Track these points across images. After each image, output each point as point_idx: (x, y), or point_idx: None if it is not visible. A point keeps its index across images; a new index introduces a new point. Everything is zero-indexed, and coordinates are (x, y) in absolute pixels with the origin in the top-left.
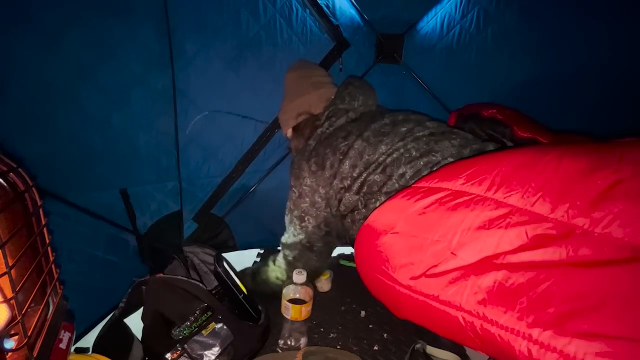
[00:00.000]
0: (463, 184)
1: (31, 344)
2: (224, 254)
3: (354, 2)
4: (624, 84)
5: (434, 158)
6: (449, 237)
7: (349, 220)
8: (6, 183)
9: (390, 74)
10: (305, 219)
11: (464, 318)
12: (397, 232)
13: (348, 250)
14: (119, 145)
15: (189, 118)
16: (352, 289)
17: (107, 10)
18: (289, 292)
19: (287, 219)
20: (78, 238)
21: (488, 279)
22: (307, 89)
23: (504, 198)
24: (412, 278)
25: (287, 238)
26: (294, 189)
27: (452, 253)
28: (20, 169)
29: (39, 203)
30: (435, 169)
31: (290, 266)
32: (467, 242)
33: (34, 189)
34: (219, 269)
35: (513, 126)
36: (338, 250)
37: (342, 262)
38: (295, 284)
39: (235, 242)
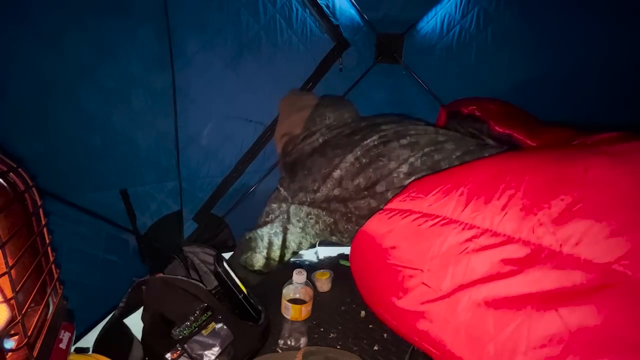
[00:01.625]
0: (430, 205)
1: (31, 344)
2: (224, 254)
3: (354, 2)
4: (623, 83)
5: (380, 163)
6: (419, 265)
7: (337, 234)
8: (6, 183)
9: (390, 74)
10: (270, 216)
11: (436, 353)
12: (377, 259)
13: (348, 250)
14: (119, 145)
15: (189, 118)
16: (352, 289)
17: (106, 10)
18: (289, 292)
19: (264, 207)
20: (78, 238)
21: (457, 322)
22: (292, 112)
23: (471, 219)
24: (389, 310)
25: (257, 220)
26: (277, 190)
27: (423, 284)
28: (20, 169)
29: (39, 203)
30: (386, 175)
31: (247, 245)
32: (436, 270)
33: (34, 189)
34: (219, 269)
35: (489, 122)
36: (338, 250)
37: (342, 262)
38: (295, 284)
39: (235, 242)
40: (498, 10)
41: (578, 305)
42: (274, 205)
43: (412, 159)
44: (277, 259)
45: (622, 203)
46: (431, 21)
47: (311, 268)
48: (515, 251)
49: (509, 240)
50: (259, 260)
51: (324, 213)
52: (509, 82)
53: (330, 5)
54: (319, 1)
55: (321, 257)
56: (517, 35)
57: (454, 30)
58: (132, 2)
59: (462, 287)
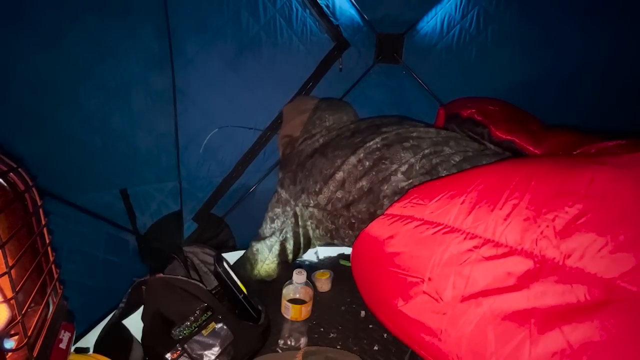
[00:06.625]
0: (432, 212)
1: (31, 344)
2: (224, 254)
3: (354, 2)
4: (623, 83)
5: (383, 166)
6: (421, 273)
7: (337, 239)
8: (6, 183)
9: (390, 74)
10: (275, 221)
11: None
12: (380, 263)
13: (348, 250)
14: (119, 145)
15: (189, 118)
16: (352, 289)
17: (106, 10)
18: (289, 292)
19: (265, 213)
20: (78, 238)
21: (458, 334)
22: (293, 115)
23: (473, 228)
24: (389, 315)
25: (259, 229)
26: (276, 193)
27: (424, 293)
28: (20, 169)
29: (39, 203)
30: (386, 178)
31: (256, 257)
32: (438, 280)
33: (34, 189)
34: (219, 269)
35: (490, 127)
36: (338, 250)
37: (342, 262)
38: (295, 284)
39: (235, 242)
40: (498, 10)
41: (581, 321)
42: (278, 210)
43: (412, 160)
44: (289, 260)
45: (627, 217)
46: (431, 21)
47: (311, 268)
48: (518, 263)
49: (512, 252)
50: (275, 269)
51: (327, 218)
52: (509, 82)
53: (330, 5)
54: (319, 1)
55: (321, 257)
56: (517, 35)
57: (454, 30)
58: (131, 1)
59: (464, 299)
